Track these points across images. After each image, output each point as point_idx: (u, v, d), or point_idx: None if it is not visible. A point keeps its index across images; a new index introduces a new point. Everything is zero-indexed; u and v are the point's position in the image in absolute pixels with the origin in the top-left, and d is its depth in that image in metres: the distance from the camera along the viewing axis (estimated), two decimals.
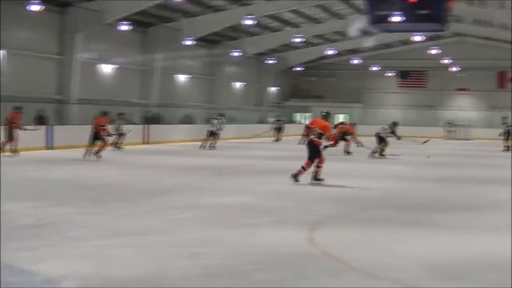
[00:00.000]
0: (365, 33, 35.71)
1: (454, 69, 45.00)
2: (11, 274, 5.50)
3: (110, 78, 30.16)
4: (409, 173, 16.22)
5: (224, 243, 7.04)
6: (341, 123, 24.12)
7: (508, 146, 27.43)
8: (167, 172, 15.39)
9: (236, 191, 11.86)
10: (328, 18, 35.30)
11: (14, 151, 18.44)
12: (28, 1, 23.48)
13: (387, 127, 21.91)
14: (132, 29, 28.88)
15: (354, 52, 44.07)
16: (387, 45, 44.34)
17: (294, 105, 48.15)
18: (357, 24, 31.80)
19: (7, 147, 18.55)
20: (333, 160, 15.64)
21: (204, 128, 25.86)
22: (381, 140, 21.39)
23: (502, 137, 28.02)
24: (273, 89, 46.63)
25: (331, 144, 20.79)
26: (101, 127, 18.56)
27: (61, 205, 9.39)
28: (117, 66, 30.14)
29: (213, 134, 25.02)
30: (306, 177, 12.77)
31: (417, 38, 37.03)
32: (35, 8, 23.65)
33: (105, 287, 5.28)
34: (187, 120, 34.16)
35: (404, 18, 20.11)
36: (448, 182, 14.41)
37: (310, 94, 48.34)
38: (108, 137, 19.34)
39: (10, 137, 18.45)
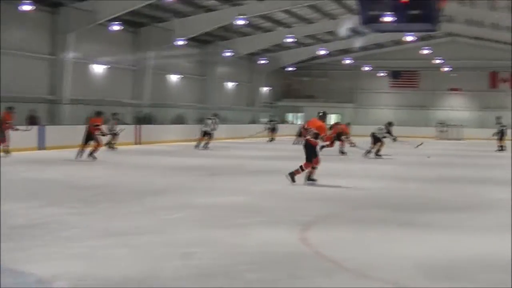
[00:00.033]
0: (355, 32, 35.92)
1: (446, 69, 45.15)
2: (3, 275, 5.48)
3: (102, 78, 30.09)
4: (402, 173, 16.24)
5: (217, 243, 7.03)
6: (337, 124, 24.13)
7: (502, 146, 27.56)
8: (160, 172, 15.37)
9: (229, 191, 11.85)
10: (320, 18, 35.34)
11: (6, 151, 18.37)
12: (20, 1, 23.39)
13: (383, 127, 21.87)
14: (123, 29, 28.83)
15: (346, 52, 44.14)
16: (379, 45, 44.48)
17: (286, 105, 48.18)
18: (346, 24, 31.94)
19: (0, 147, 18.47)
20: (328, 160, 15.64)
21: (196, 128, 25.80)
22: (376, 140, 21.38)
23: (495, 137, 28.13)
24: (265, 89, 46.61)
25: (328, 145, 20.81)
26: (96, 127, 18.52)
27: (53, 206, 9.37)
28: (109, 66, 30.09)
29: (207, 134, 25.01)
30: (299, 177, 12.77)
31: (409, 38, 37.13)
32: (27, 8, 23.57)
33: (97, 287, 5.26)
34: (179, 120, 34.14)
35: (396, 18, 20.19)
36: (441, 182, 14.44)
37: (302, 94, 48.38)
38: (102, 137, 19.28)
39: (2, 138, 18.37)
